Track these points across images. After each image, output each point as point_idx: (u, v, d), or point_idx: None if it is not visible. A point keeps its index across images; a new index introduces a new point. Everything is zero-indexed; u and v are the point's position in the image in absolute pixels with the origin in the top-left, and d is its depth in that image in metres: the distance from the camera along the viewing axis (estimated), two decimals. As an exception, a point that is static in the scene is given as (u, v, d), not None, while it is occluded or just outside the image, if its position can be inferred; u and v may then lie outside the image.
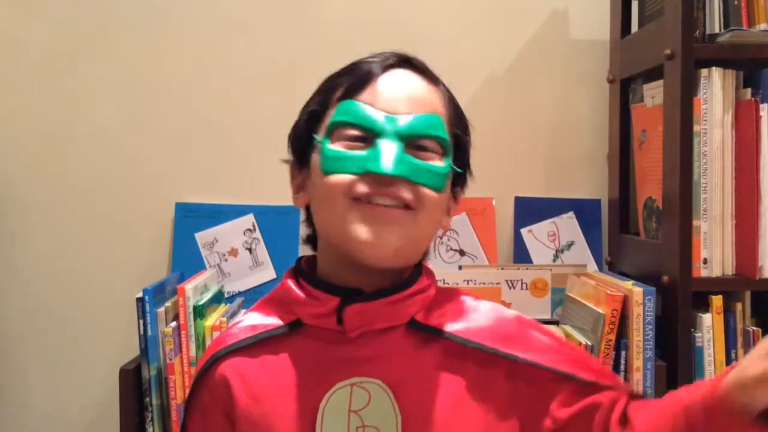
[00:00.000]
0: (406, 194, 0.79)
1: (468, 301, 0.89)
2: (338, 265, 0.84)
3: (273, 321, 0.86)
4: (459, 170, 0.87)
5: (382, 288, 0.82)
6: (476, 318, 0.86)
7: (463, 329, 0.84)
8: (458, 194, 0.91)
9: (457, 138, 0.87)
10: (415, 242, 0.83)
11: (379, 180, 0.78)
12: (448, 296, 0.89)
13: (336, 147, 0.81)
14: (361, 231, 0.79)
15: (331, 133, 0.82)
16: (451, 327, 0.84)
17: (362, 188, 0.79)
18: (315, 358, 0.83)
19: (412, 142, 0.81)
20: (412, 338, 0.84)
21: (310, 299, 0.84)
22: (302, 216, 0.92)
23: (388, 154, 0.78)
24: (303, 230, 0.92)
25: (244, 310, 1.39)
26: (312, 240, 0.91)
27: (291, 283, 0.86)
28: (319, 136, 0.84)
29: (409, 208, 0.80)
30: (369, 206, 0.79)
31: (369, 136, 0.80)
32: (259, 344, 0.84)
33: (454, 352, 0.84)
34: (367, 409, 0.80)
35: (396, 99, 0.82)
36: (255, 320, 0.87)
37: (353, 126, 0.81)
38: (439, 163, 0.82)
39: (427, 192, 0.81)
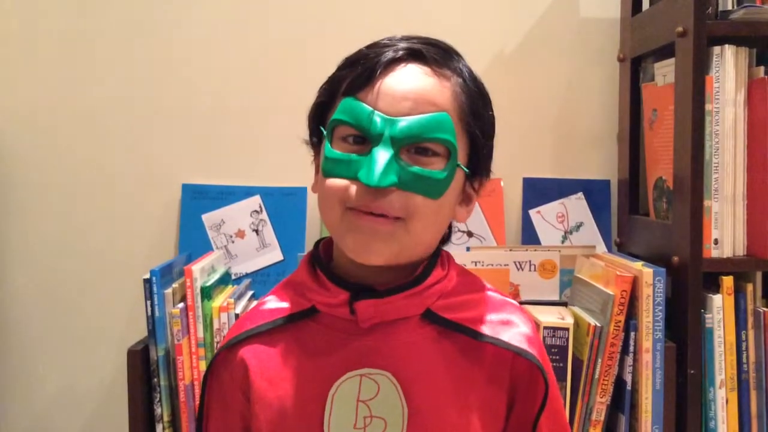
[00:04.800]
0: (395, 206, 0.78)
1: (495, 298, 0.88)
2: (348, 257, 0.83)
3: (288, 307, 0.86)
4: (466, 170, 0.83)
5: (394, 285, 0.82)
6: (493, 317, 0.86)
7: (478, 321, 0.84)
8: (480, 185, 0.87)
9: (471, 134, 0.82)
10: (409, 248, 0.81)
11: (368, 189, 0.77)
12: (472, 288, 0.88)
13: (337, 146, 0.81)
14: (350, 241, 0.80)
15: (333, 130, 0.82)
16: (466, 319, 0.84)
17: (353, 199, 0.78)
18: (328, 345, 0.84)
19: (411, 145, 0.79)
20: (426, 330, 0.84)
21: (323, 289, 0.85)
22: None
23: (378, 163, 0.76)
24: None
25: (251, 292, 1.39)
26: None
27: (305, 269, 0.87)
28: (325, 129, 0.83)
29: (398, 217, 0.78)
30: (357, 216, 0.78)
31: (366, 138, 0.79)
32: (275, 330, 0.86)
33: (467, 351, 0.84)
34: (375, 400, 0.81)
35: (397, 99, 0.79)
36: (273, 305, 0.88)
37: (350, 126, 0.79)
38: (439, 168, 0.79)
39: (420, 200, 0.78)
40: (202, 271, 1.26)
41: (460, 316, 0.84)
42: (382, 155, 0.76)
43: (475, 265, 1.39)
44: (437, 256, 0.86)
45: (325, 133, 0.82)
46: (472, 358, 0.84)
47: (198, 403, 0.91)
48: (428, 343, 0.83)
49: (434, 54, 0.82)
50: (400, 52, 0.81)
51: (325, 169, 0.81)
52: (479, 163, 0.85)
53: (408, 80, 0.80)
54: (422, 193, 0.78)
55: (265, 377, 0.84)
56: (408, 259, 0.82)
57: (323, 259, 0.87)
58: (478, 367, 0.84)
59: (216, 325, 1.23)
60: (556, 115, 1.56)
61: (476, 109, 0.83)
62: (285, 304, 0.87)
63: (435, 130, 0.78)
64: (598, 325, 1.19)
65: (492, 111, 0.87)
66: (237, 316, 1.24)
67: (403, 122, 0.78)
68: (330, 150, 0.81)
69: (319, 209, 0.85)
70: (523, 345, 0.83)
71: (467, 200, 0.87)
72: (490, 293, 0.89)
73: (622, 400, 1.21)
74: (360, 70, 0.81)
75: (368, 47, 0.84)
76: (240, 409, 0.87)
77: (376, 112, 0.78)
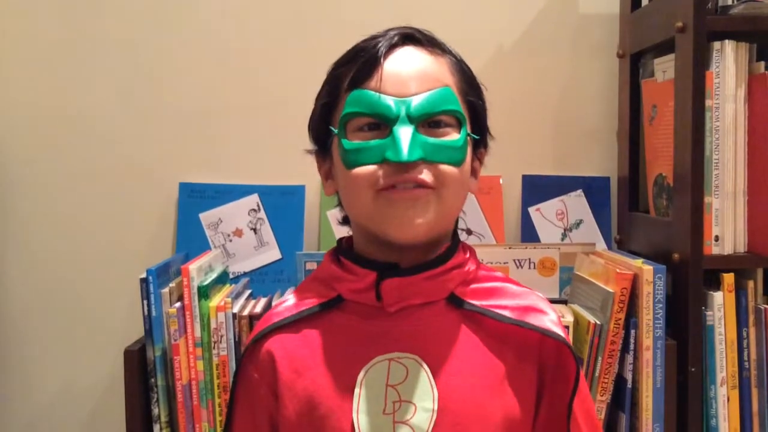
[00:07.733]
0: (426, 176, 0.81)
1: (517, 287, 0.90)
2: (373, 244, 0.86)
3: (315, 298, 0.88)
4: (476, 137, 0.88)
5: (418, 263, 0.84)
6: (518, 303, 0.87)
7: (503, 308, 0.86)
8: (482, 156, 0.93)
9: (471, 104, 0.88)
10: (443, 216, 0.85)
11: (398, 167, 0.80)
12: (493, 278, 0.91)
13: (352, 138, 0.83)
14: (390, 216, 0.82)
15: (345, 125, 0.84)
16: (491, 305, 0.86)
17: (384, 179, 0.81)
18: (355, 332, 0.85)
19: (426, 121, 0.82)
20: (451, 314, 0.86)
21: (349, 275, 0.87)
22: (336, 200, 0.94)
23: (403, 140, 0.79)
24: (338, 213, 0.95)
25: (249, 291, 1.39)
26: (348, 221, 0.93)
27: (330, 261, 0.90)
28: (334, 128, 0.85)
29: (431, 187, 0.82)
30: (393, 191, 0.81)
31: (382, 123, 0.82)
32: (301, 321, 0.88)
33: (494, 334, 0.86)
34: (404, 384, 0.82)
35: (403, 80, 0.82)
36: (298, 299, 0.90)
37: (365, 116, 0.82)
38: (454, 137, 0.83)
39: (447, 168, 0.82)
40: (199, 270, 1.25)
41: (484, 301, 0.86)
42: (404, 132, 0.80)
43: (475, 263, 1.39)
44: (458, 242, 0.89)
45: (336, 131, 0.85)
46: (499, 342, 0.86)
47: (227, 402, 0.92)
48: (454, 327, 0.85)
49: (424, 36, 0.87)
50: (395, 38, 0.85)
51: (348, 161, 0.83)
52: (481, 132, 0.90)
53: (409, 61, 0.84)
54: (446, 161, 0.82)
55: (292, 368, 0.86)
56: (440, 231, 0.86)
57: (346, 249, 0.90)
58: (506, 350, 0.85)
59: (213, 325, 1.22)
60: (555, 112, 1.56)
61: (470, 81, 0.89)
62: (310, 297, 0.89)
63: (444, 102, 0.83)
64: (598, 323, 1.18)
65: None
66: (234, 315, 1.23)
67: (416, 100, 0.81)
68: (348, 143, 0.83)
69: (346, 203, 0.88)
70: (552, 328, 0.85)
71: (474, 172, 0.92)
72: (510, 284, 0.91)
73: (623, 398, 1.20)
74: (362, 62, 0.84)
75: (362, 42, 0.87)
76: (267, 408, 0.88)
77: (388, 96, 0.81)
